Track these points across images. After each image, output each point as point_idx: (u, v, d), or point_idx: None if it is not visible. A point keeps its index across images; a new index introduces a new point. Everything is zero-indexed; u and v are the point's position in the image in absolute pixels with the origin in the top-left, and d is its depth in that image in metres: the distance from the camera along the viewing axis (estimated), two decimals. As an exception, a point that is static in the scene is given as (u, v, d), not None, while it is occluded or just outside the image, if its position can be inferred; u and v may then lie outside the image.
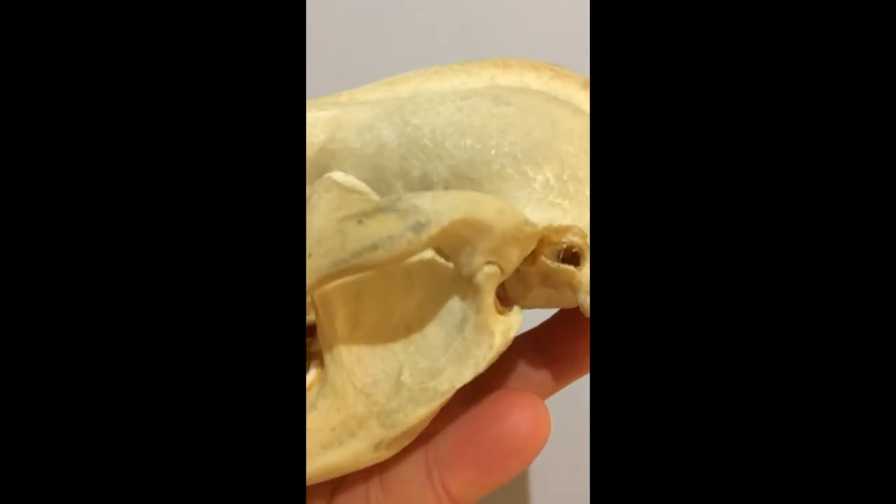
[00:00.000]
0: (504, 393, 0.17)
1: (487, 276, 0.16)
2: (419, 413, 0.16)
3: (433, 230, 0.15)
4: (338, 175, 0.17)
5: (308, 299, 0.18)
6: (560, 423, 0.32)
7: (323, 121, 0.19)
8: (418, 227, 0.15)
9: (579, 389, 0.32)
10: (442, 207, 0.15)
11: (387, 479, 0.18)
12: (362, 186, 0.18)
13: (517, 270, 0.19)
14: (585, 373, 0.20)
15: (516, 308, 0.17)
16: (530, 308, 0.21)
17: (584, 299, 0.18)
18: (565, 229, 0.18)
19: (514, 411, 0.16)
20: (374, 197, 0.18)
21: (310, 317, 0.18)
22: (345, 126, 0.19)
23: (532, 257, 0.18)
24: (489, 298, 0.16)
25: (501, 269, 0.17)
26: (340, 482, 0.19)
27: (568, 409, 0.32)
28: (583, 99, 0.22)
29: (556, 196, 0.18)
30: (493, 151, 0.18)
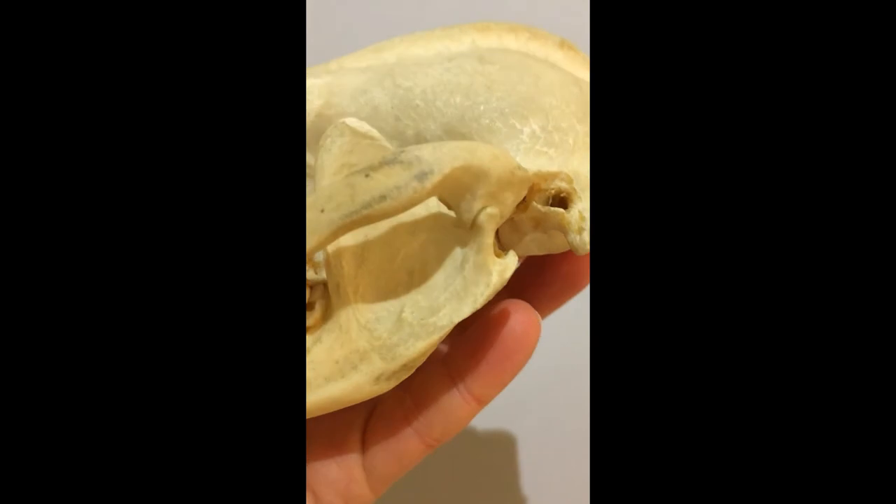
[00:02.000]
0: (500, 305, 0.20)
1: (489, 216, 0.17)
2: (419, 346, 0.18)
3: (436, 178, 0.16)
4: (351, 120, 0.18)
5: (321, 252, 0.19)
6: (561, 422, 0.32)
7: (318, 88, 0.20)
8: (422, 176, 0.16)
9: (579, 389, 0.33)
10: (443, 156, 0.17)
11: (415, 393, 0.20)
12: (374, 132, 0.19)
13: (510, 219, 0.20)
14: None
15: (512, 252, 0.19)
16: (524, 254, 0.22)
17: (574, 238, 0.19)
18: (553, 175, 0.19)
19: (511, 317, 0.19)
20: (385, 143, 0.19)
21: (313, 274, 0.19)
22: (338, 92, 0.20)
23: (524, 204, 0.20)
24: (489, 238, 0.18)
25: (500, 213, 0.18)
26: (373, 407, 0.21)
27: (568, 408, 0.34)
28: (560, 58, 0.23)
29: (543, 145, 0.19)
30: (481, 107, 0.20)
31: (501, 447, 0.34)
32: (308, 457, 0.21)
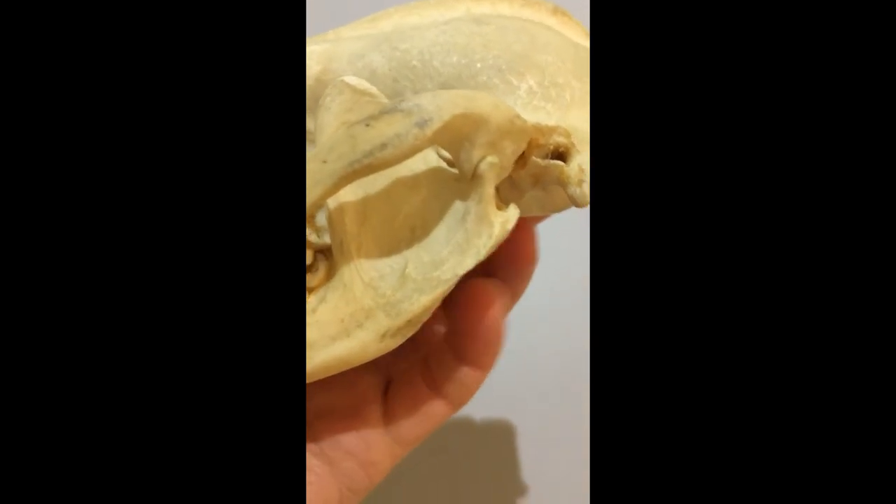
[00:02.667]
0: (475, 292, 0.21)
1: (490, 164, 0.18)
2: (423, 301, 0.18)
3: (436, 125, 0.17)
4: (350, 78, 0.19)
5: (323, 215, 0.19)
6: (560, 422, 0.33)
7: (316, 54, 0.21)
8: (422, 123, 0.17)
9: (579, 390, 0.33)
10: (442, 103, 0.17)
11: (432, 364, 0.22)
12: (373, 90, 0.19)
13: (510, 177, 0.20)
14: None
15: (513, 204, 0.19)
16: (524, 214, 0.22)
17: (574, 191, 0.19)
18: (551, 129, 0.19)
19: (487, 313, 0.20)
20: (384, 99, 0.19)
21: (316, 238, 0.20)
22: (336, 58, 0.21)
23: (522, 160, 0.20)
24: (491, 188, 0.18)
25: (500, 163, 0.18)
26: (390, 374, 0.22)
27: (568, 408, 0.34)
28: (553, 23, 0.23)
29: (540, 101, 0.20)
30: (478, 65, 0.20)
31: (502, 440, 0.34)
32: (325, 430, 0.21)
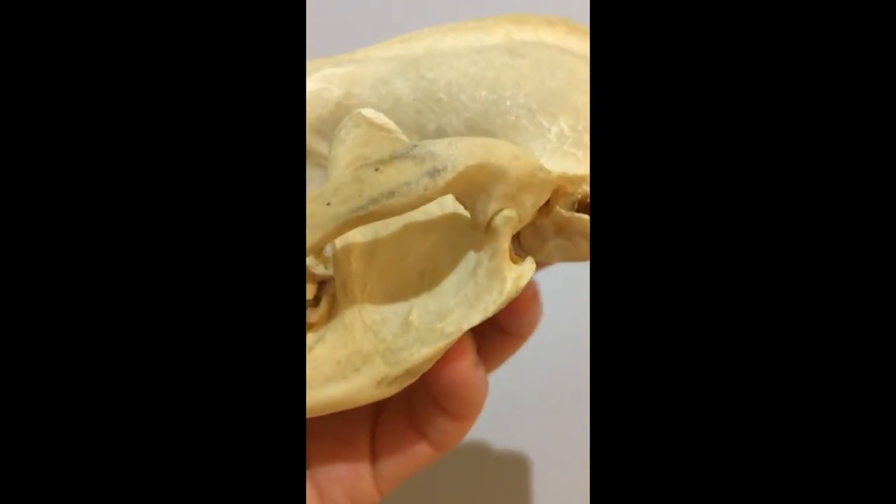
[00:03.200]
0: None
1: (506, 219, 0.16)
2: (424, 352, 0.17)
3: (449, 175, 0.15)
4: (368, 111, 0.18)
5: (330, 247, 0.18)
6: (560, 421, 0.32)
7: (339, 77, 0.20)
8: (434, 173, 0.15)
9: (579, 390, 0.33)
10: (457, 153, 0.15)
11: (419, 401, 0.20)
12: (391, 125, 0.18)
13: (533, 223, 0.19)
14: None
15: (529, 258, 0.18)
16: (548, 263, 0.21)
17: None
18: (580, 179, 0.18)
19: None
20: (402, 136, 0.18)
21: (322, 269, 0.19)
22: (359, 82, 0.19)
23: (547, 208, 0.18)
24: (505, 243, 0.17)
25: (518, 216, 0.17)
26: (381, 407, 0.21)
27: (568, 408, 0.33)
28: (598, 54, 0.22)
29: (571, 146, 0.18)
30: (507, 103, 0.18)
31: (501, 440, 0.33)
32: (316, 454, 0.21)
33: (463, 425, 0.20)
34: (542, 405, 0.33)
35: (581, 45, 0.22)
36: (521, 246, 0.20)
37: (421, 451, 0.20)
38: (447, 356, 0.18)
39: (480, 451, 0.33)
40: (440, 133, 0.19)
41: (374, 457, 0.21)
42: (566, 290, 0.34)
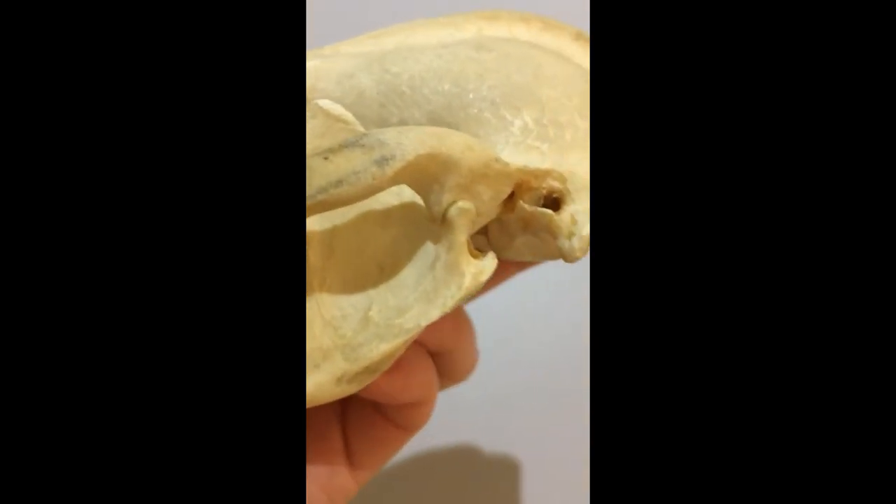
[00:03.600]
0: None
1: (460, 210, 0.16)
2: (383, 349, 0.16)
3: (398, 164, 0.15)
4: (324, 102, 0.17)
5: None
6: (554, 424, 0.32)
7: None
8: (383, 162, 0.15)
9: (578, 390, 0.32)
10: (407, 142, 0.15)
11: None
12: (348, 115, 0.17)
13: (499, 219, 0.18)
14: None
15: (491, 253, 0.17)
16: (516, 259, 0.20)
17: (564, 244, 0.17)
18: (544, 173, 0.17)
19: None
20: (359, 127, 0.18)
21: None
22: (324, 76, 0.19)
23: (511, 203, 0.18)
24: (462, 236, 0.16)
25: (475, 209, 0.16)
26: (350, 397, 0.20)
27: (568, 408, 0.32)
28: (575, 51, 0.21)
29: (535, 140, 0.18)
30: (470, 95, 0.18)
31: (501, 439, 0.33)
32: None
33: (425, 408, 0.19)
34: (536, 408, 0.33)
35: (556, 40, 0.21)
36: (490, 242, 0.19)
37: (393, 435, 0.20)
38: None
39: (473, 454, 0.32)
40: (402, 126, 0.18)
41: (348, 449, 0.20)
42: (559, 289, 0.34)
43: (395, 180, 0.15)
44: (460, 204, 0.16)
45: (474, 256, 0.17)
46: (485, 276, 0.17)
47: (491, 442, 0.32)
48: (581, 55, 0.21)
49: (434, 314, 0.17)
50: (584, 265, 0.32)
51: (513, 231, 0.18)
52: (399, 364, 0.18)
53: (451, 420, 0.32)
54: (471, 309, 0.32)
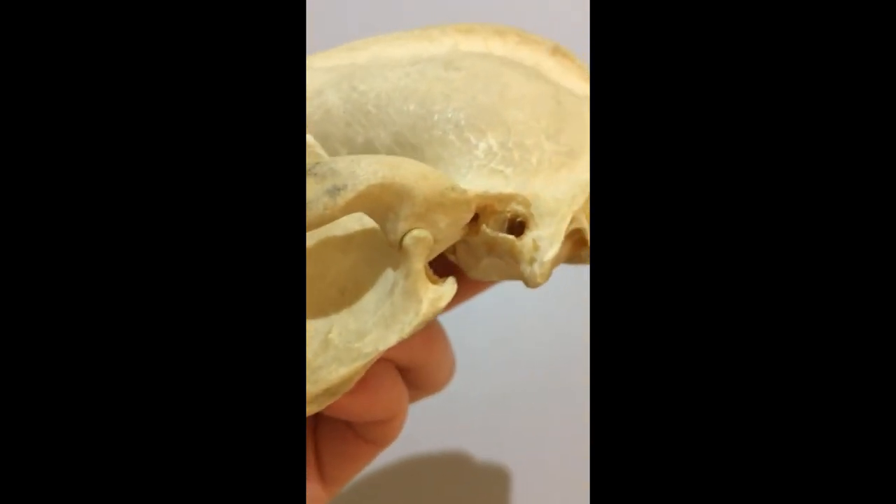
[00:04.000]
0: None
1: (416, 240, 0.16)
2: (341, 372, 0.16)
3: (349, 195, 0.15)
4: None
5: None
6: (560, 421, 0.32)
7: (273, 87, 0.19)
8: (335, 192, 0.15)
9: (577, 391, 0.32)
10: (360, 171, 0.15)
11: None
12: (308, 138, 0.17)
13: (465, 241, 0.18)
14: None
15: (451, 279, 0.17)
16: (484, 279, 0.20)
17: (525, 269, 0.17)
18: (508, 198, 0.17)
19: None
20: (319, 150, 0.17)
21: None
22: (294, 92, 0.19)
23: (476, 226, 0.18)
24: (418, 264, 0.16)
25: (432, 237, 0.16)
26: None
27: (566, 409, 0.32)
28: (552, 66, 0.21)
29: (499, 163, 0.18)
30: (435, 117, 0.18)
31: (501, 439, 0.33)
32: None
33: (395, 423, 0.19)
34: (534, 408, 0.33)
35: (533, 55, 0.21)
36: (458, 260, 0.19)
37: (363, 450, 0.20)
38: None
39: (471, 455, 0.33)
40: (368, 146, 0.18)
41: (319, 462, 0.20)
42: (558, 289, 0.33)
43: (347, 210, 0.15)
44: (415, 233, 0.16)
45: (433, 282, 0.17)
46: (443, 302, 0.17)
47: (488, 443, 0.32)
48: (558, 70, 0.21)
49: (392, 339, 0.17)
50: (583, 265, 0.32)
51: (478, 253, 0.18)
52: (364, 383, 0.18)
53: (449, 421, 0.32)
54: (469, 309, 0.32)
